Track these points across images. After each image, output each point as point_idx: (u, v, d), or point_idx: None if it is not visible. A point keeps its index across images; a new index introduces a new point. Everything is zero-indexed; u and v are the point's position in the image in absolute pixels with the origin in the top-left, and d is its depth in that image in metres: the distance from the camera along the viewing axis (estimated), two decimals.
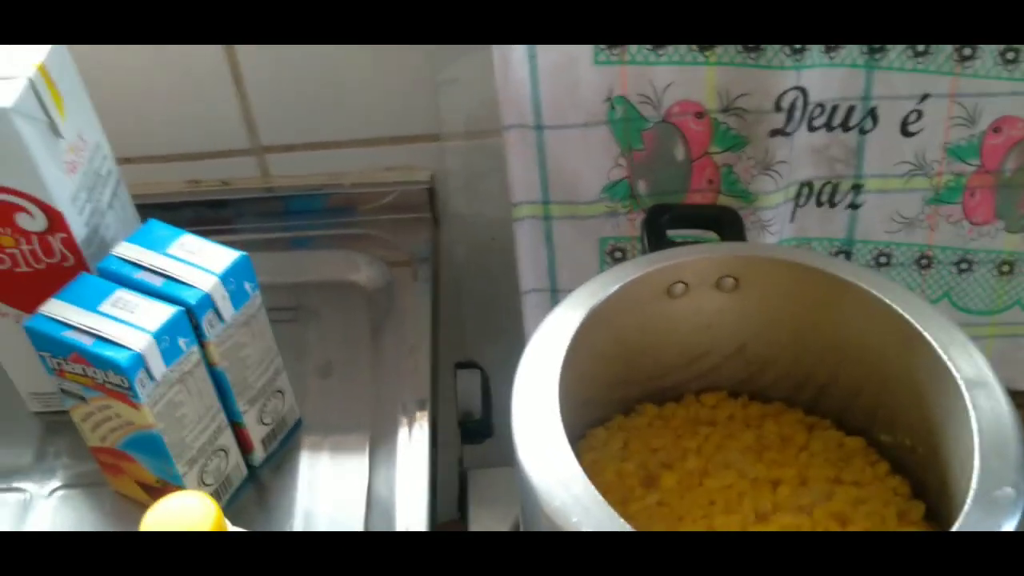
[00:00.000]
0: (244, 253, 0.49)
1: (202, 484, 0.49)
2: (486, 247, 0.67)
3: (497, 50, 0.52)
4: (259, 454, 0.53)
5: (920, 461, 0.46)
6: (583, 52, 0.52)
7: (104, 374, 0.44)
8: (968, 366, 0.40)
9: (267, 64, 0.63)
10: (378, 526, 0.51)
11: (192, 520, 0.37)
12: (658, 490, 0.48)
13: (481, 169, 0.65)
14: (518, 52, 0.52)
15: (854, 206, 0.57)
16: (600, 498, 0.37)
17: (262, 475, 0.54)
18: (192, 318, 0.46)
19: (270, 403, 0.53)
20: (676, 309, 0.50)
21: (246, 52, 0.62)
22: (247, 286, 0.49)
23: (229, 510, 0.52)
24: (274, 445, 0.54)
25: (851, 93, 0.54)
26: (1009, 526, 0.35)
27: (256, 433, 0.52)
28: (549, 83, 0.53)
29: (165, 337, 0.45)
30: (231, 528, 0.38)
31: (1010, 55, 0.52)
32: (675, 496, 0.47)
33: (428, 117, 0.64)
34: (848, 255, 0.59)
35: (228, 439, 0.51)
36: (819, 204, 0.57)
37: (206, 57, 0.62)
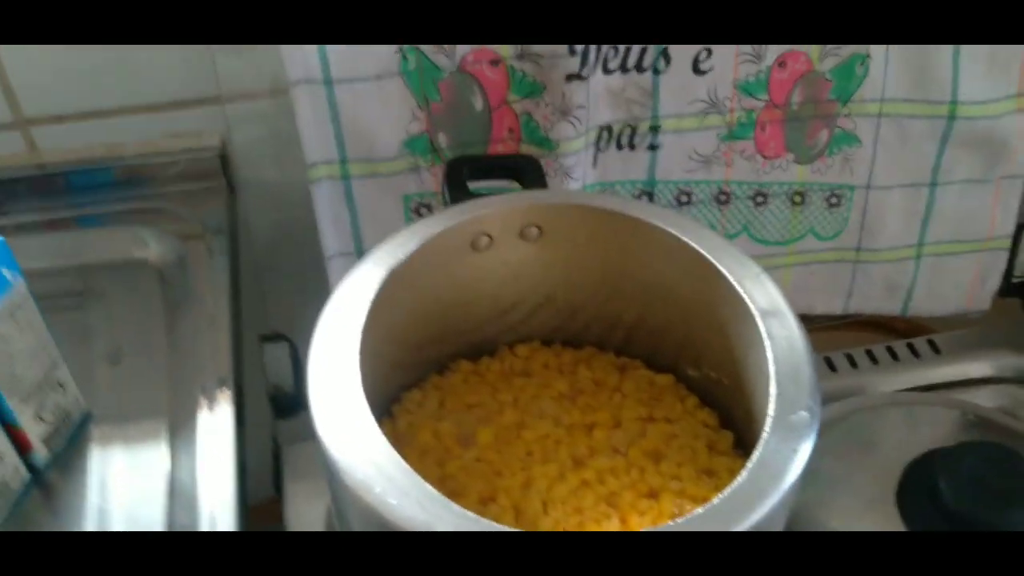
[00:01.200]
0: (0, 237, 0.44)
1: None
2: (286, 213, 0.63)
3: None
4: (41, 454, 0.48)
5: (726, 393, 0.47)
6: None
7: None
8: (762, 297, 0.41)
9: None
10: (181, 517, 0.47)
11: None
12: (475, 447, 0.47)
13: (275, 131, 0.61)
14: None
15: (653, 147, 0.58)
16: (405, 465, 0.35)
17: (48, 477, 0.49)
18: None
19: (49, 398, 0.48)
20: (482, 262, 0.48)
21: None
22: (7, 273, 0.44)
23: (12, 518, 0.47)
24: (59, 443, 0.50)
25: None
26: (805, 448, 0.35)
27: (35, 432, 0.48)
28: None
29: None
30: None
31: None
32: (493, 451, 0.46)
33: (210, 77, 0.60)
34: (651, 196, 0.59)
35: (1, 442, 0.46)
36: (619, 147, 0.57)
37: None
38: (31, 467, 0.48)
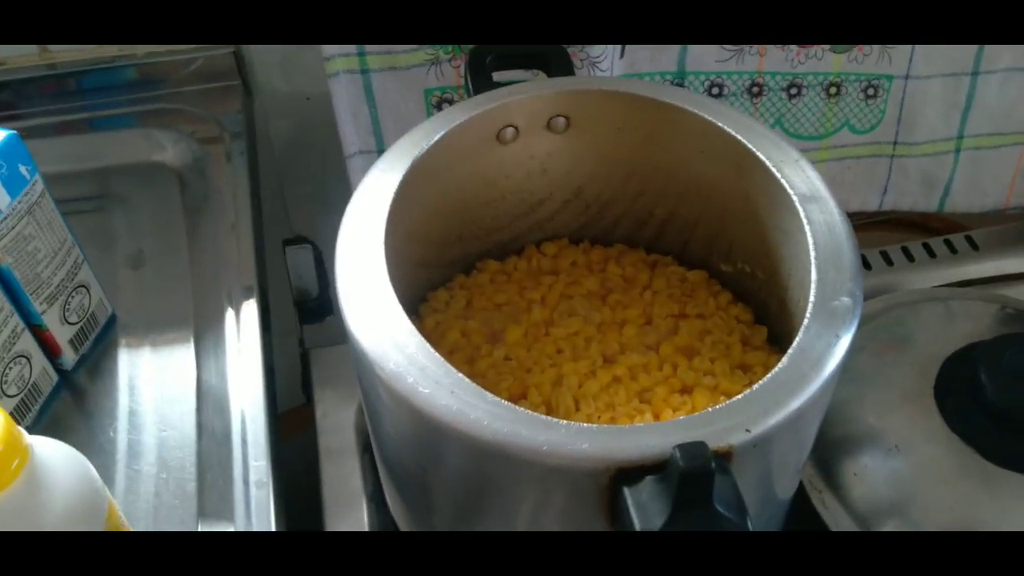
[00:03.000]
0: (12, 132, 0.43)
1: (3, 396, 0.44)
2: (304, 112, 0.62)
3: None
4: (69, 357, 0.48)
5: (760, 286, 0.46)
6: None
7: None
8: (802, 182, 0.39)
9: None
10: (212, 420, 0.47)
11: None
12: (504, 345, 0.46)
13: None
14: None
15: None
16: (436, 355, 0.34)
17: (77, 379, 0.49)
18: None
19: (73, 300, 0.47)
20: (508, 155, 0.47)
21: None
22: (23, 169, 0.43)
23: (42, 420, 0.47)
24: (86, 346, 0.49)
25: None
26: (847, 335, 0.34)
27: (61, 334, 0.47)
28: None
29: None
30: (26, 437, 0.34)
31: None
32: (522, 349, 0.46)
33: None
34: (681, 86, 0.57)
35: (28, 343, 0.45)
36: None
37: None
38: (60, 369, 0.48)
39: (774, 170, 0.40)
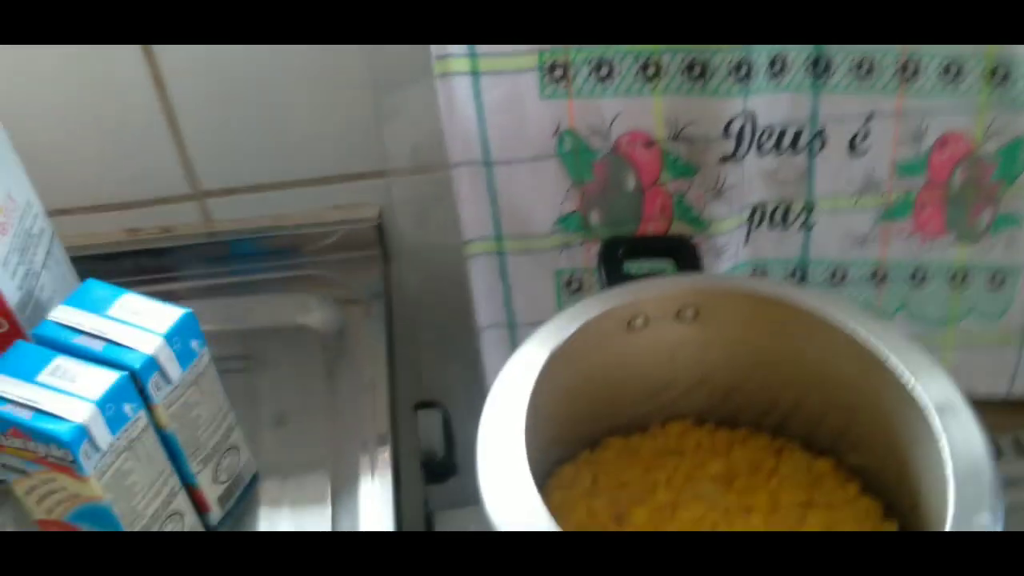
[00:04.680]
0: (188, 310, 0.47)
1: None
2: (439, 281, 0.66)
3: (441, 86, 0.51)
4: (216, 513, 0.51)
5: (889, 483, 0.46)
6: (529, 86, 0.52)
7: (46, 448, 0.42)
8: (936, 390, 0.40)
9: (202, 104, 0.61)
10: None
11: None
12: (631, 525, 0.47)
13: (430, 201, 0.64)
14: (463, 88, 0.51)
15: (807, 226, 0.57)
16: None
17: None
18: (137, 382, 0.44)
19: (224, 460, 0.51)
20: (638, 342, 0.49)
21: (179, 92, 0.60)
22: (194, 344, 0.47)
23: None
24: (231, 502, 0.52)
25: (799, 116, 0.54)
26: None
27: (211, 493, 0.50)
28: (496, 119, 0.52)
29: (109, 405, 0.43)
30: None
31: (952, 71, 0.52)
32: (648, 531, 0.46)
33: (372, 153, 0.63)
34: (804, 275, 0.59)
35: (183, 502, 0.48)
36: (772, 226, 0.57)
37: (137, 99, 0.60)
38: (206, 524, 0.51)
39: (905, 377, 0.40)
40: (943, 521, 0.36)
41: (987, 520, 0.35)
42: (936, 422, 0.38)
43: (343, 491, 0.53)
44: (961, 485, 0.36)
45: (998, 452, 0.61)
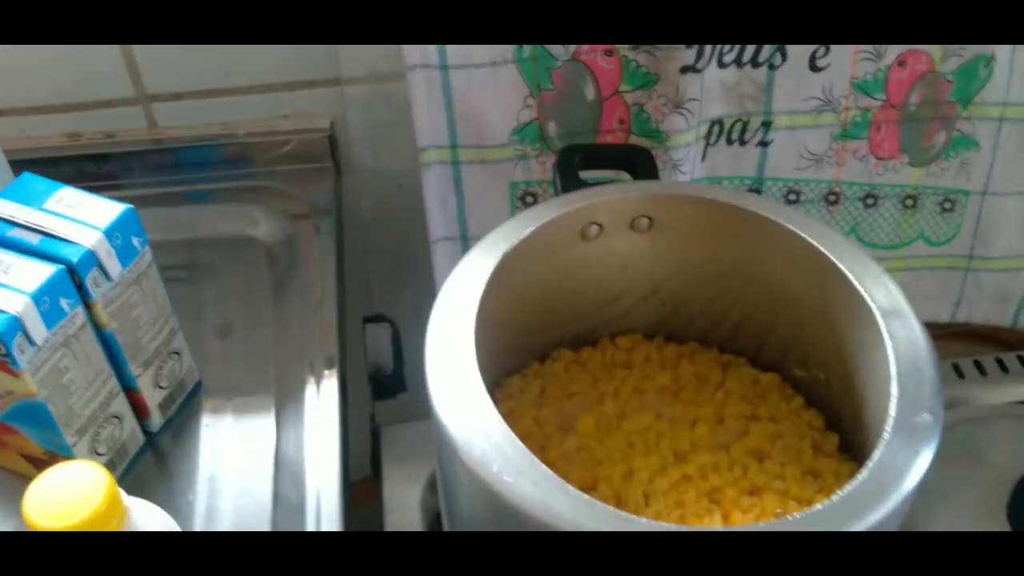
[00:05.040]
0: (130, 206, 0.45)
1: (94, 454, 0.46)
2: (392, 197, 0.64)
3: None
4: (156, 420, 0.50)
5: (834, 394, 0.47)
6: None
7: None
8: (883, 297, 0.40)
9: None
10: (287, 489, 0.48)
11: (82, 491, 0.34)
12: (576, 434, 0.47)
13: (385, 116, 0.62)
14: None
15: (764, 143, 0.57)
16: (520, 444, 0.36)
17: (161, 441, 0.51)
18: (75, 277, 0.43)
19: (166, 365, 0.50)
20: (591, 252, 0.48)
21: None
22: (135, 241, 0.46)
23: (126, 479, 0.49)
24: (172, 410, 0.51)
25: None
26: (927, 452, 0.35)
27: (152, 398, 0.49)
28: None
29: (45, 299, 0.41)
30: (125, 497, 0.36)
31: None
32: (593, 440, 0.46)
33: (327, 61, 0.61)
34: (759, 193, 0.58)
35: (121, 405, 0.47)
36: (729, 142, 0.57)
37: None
38: (146, 431, 0.50)
39: (856, 283, 0.41)
40: (884, 424, 0.36)
41: (928, 419, 0.35)
42: (882, 325, 0.39)
43: (288, 404, 0.53)
44: (904, 386, 0.36)
45: None
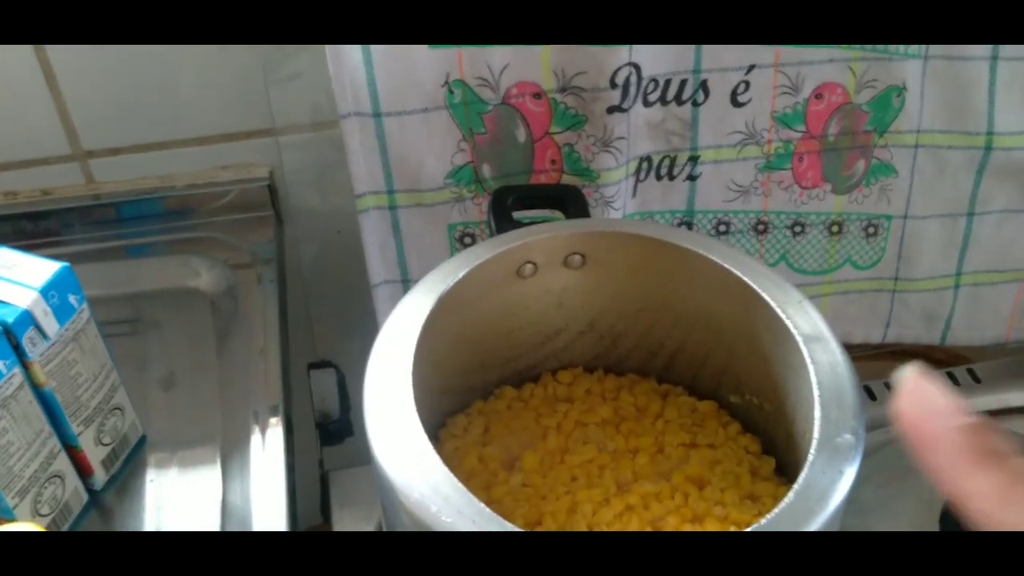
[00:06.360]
0: (66, 264, 0.45)
1: (36, 515, 0.46)
2: (333, 242, 0.65)
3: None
4: (100, 477, 0.50)
5: (768, 418, 0.48)
6: None
7: None
8: (805, 323, 0.42)
9: (82, 62, 0.59)
10: None
11: None
12: (521, 471, 0.47)
13: (323, 162, 0.63)
14: None
15: (692, 178, 0.59)
16: (460, 485, 0.36)
17: (105, 499, 0.50)
18: (11, 338, 0.43)
19: (108, 422, 0.50)
20: (527, 289, 0.49)
21: (56, 50, 0.58)
22: (72, 299, 0.46)
23: None
24: (116, 466, 0.51)
25: (682, 67, 0.55)
26: (850, 471, 0.36)
27: (95, 455, 0.49)
28: (384, 69, 0.52)
29: None
30: None
31: None
32: (538, 476, 0.47)
33: (263, 111, 0.62)
34: (690, 226, 0.60)
35: (63, 464, 0.47)
36: (659, 178, 0.59)
37: (13, 58, 0.58)
38: (90, 489, 0.50)
39: (779, 311, 0.42)
40: (809, 445, 0.37)
41: (849, 440, 0.37)
42: (805, 350, 0.40)
43: (234, 454, 0.53)
44: (826, 408, 0.38)
45: (871, 396, 0.64)
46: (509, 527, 0.35)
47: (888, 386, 0.65)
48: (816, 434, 0.37)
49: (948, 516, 0.49)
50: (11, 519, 0.44)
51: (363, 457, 0.54)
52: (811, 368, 0.39)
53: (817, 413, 0.38)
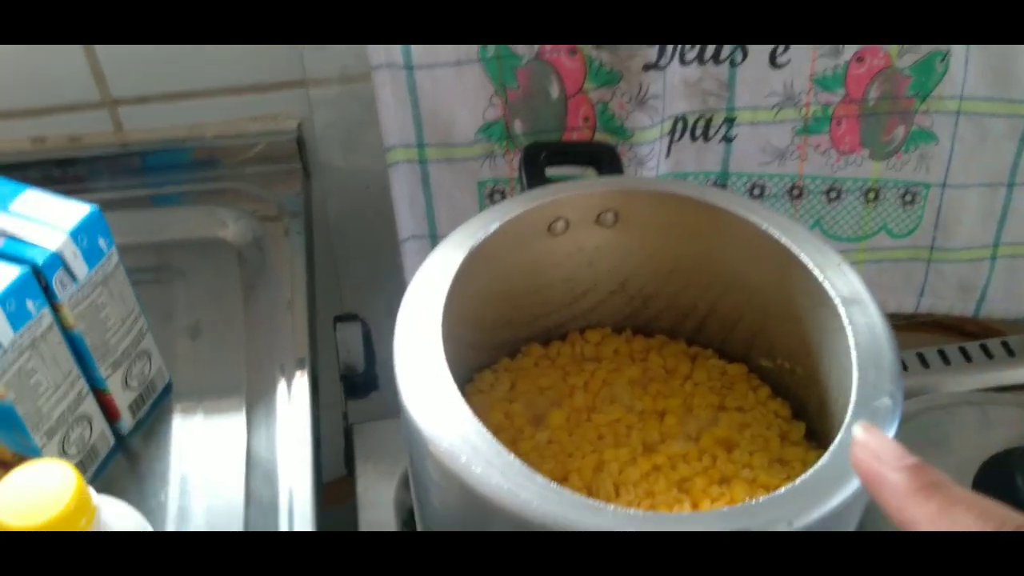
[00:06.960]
0: (96, 207, 0.45)
1: (64, 455, 0.46)
2: (361, 197, 0.65)
3: None
4: (127, 421, 0.50)
5: (799, 383, 0.47)
6: None
7: None
8: (843, 285, 0.41)
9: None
10: (260, 488, 0.49)
11: (51, 490, 0.34)
12: (547, 428, 0.47)
13: (353, 117, 0.63)
14: None
15: (727, 139, 0.58)
16: (489, 436, 0.36)
17: (132, 443, 0.51)
18: (41, 279, 0.43)
19: (135, 366, 0.50)
20: (557, 247, 0.49)
21: None
22: (101, 242, 0.46)
23: (98, 481, 0.49)
24: (143, 411, 0.51)
25: None
26: (888, 435, 0.35)
27: (122, 399, 0.49)
28: None
29: (11, 301, 0.41)
30: (94, 496, 0.36)
31: None
32: (564, 433, 0.47)
33: (293, 63, 0.61)
34: (724, 188, 0.59)
35: (91, 406, 0.47)
36: (694, 138, 0.58)
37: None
38: (117, 434, 0.50)
39: (817, 273, 0.41)
40: (846, 411, 0.37)
41: (887, 403, 0.36)
42: (843, 313, 0.39)
43: (259, 405, 0.53)
44: (864, 372, 0.37)
45: (903, 367, 0.63)
46: (539, 479, 0.34)
47: (920, 357, 0.64)
48: (854, 396, 0.36)
49: (979, 487, 0.48)
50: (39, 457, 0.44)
51: (387, 411, 0.54)
52: (849, 331, 0.39)
53: (855, 375, 0.37)
